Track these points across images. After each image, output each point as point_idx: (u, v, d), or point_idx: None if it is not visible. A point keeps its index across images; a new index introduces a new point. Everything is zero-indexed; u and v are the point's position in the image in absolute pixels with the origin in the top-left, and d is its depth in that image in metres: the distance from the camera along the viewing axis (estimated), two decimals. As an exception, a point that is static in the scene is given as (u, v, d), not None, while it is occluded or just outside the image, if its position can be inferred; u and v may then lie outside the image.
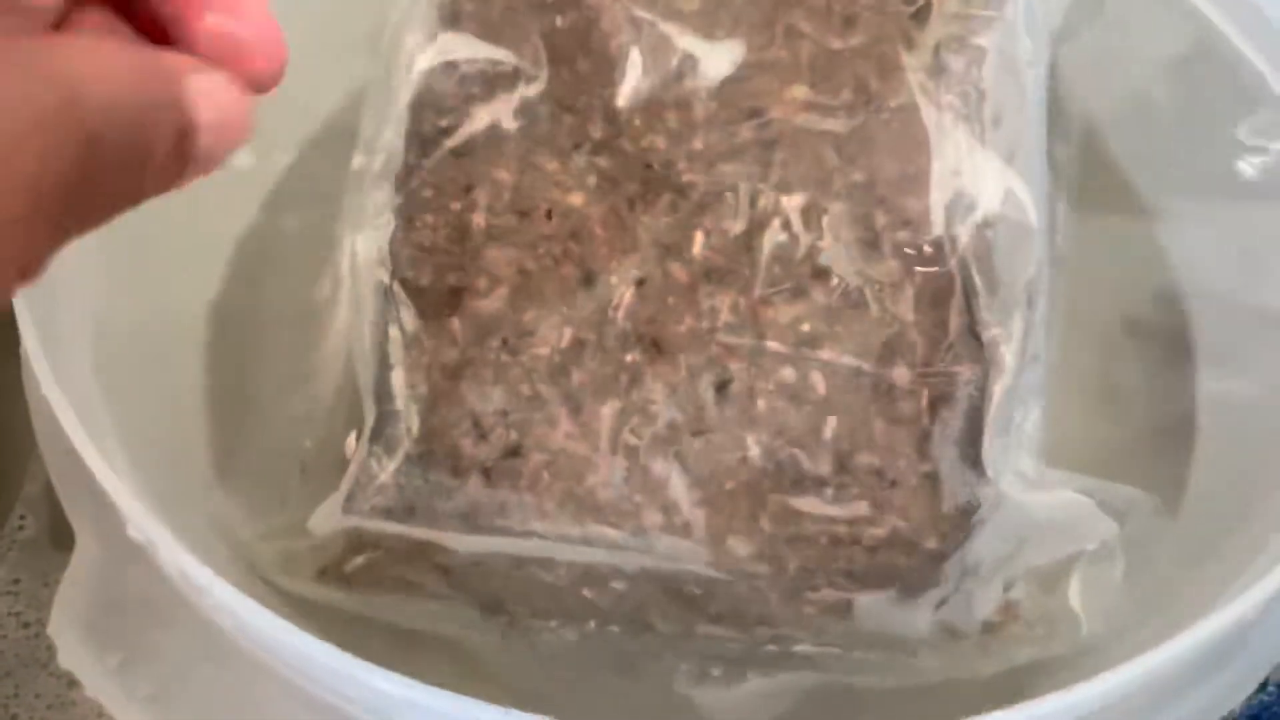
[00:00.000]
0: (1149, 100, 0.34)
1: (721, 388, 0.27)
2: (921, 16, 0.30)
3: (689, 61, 0.31)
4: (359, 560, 0.28)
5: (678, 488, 0.26)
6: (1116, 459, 0.30)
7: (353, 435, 0.30)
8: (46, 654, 0.33)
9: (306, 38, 0.34)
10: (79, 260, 0.29)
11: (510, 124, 0.31)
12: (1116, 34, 0.33)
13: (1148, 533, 0.27)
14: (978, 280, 0.27)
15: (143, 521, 0.21)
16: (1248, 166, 0.33)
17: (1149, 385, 0.32)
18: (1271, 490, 0.27)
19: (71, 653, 0.21)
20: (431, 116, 0.31)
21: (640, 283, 0.28)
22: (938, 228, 0.28)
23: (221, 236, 0.35)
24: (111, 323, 0.29)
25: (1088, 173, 0.33)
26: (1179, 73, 0.34)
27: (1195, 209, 0.33)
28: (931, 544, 0.25)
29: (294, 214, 0.36)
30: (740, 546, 0.26)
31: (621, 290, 0.28)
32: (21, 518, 0.36)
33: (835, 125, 0.29)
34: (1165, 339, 0.33)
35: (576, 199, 0.29)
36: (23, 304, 0.25)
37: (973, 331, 0.27)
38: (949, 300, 0.27)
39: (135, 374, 0.29)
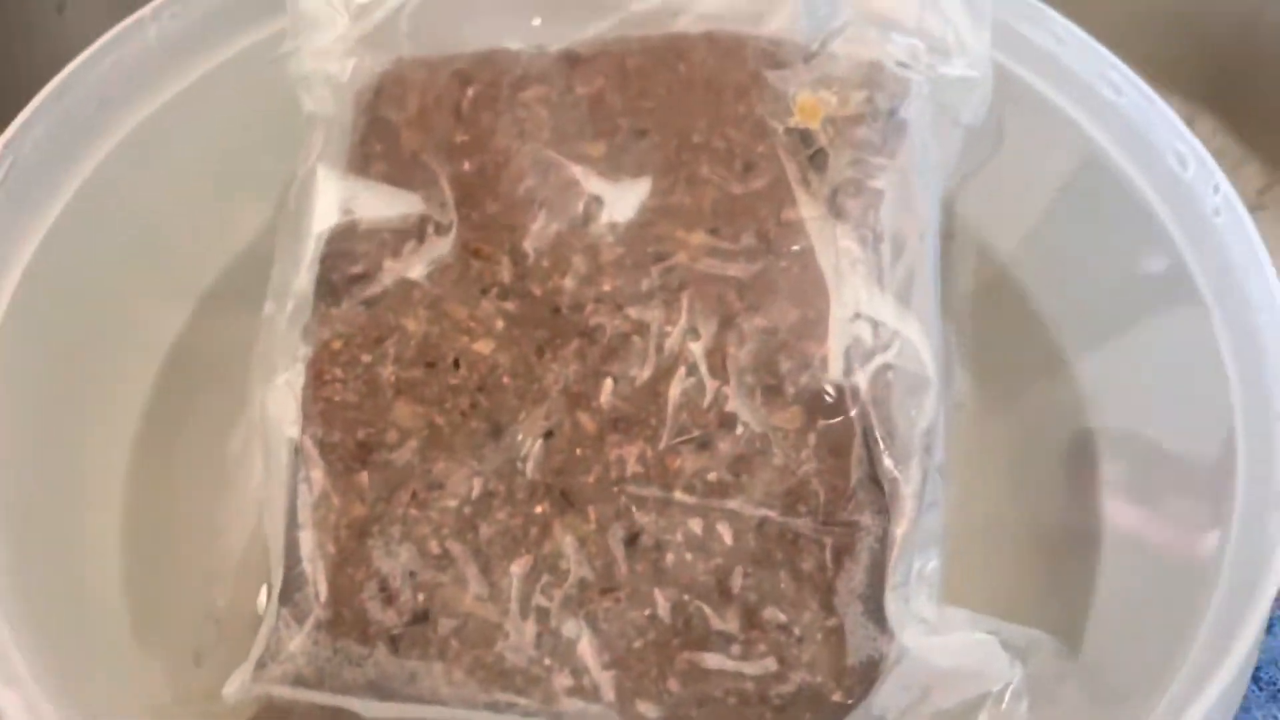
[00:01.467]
0: (1047, 225, 0.35)
1: (631, 540, 0.27)
2: (818, 161, 0.31)
3: (595, 204, 0.31)
4: (271, 726, 0.28)
5: (587, 649, 0.26)
6: (1019, 596, 0.30)
7: (263, 593, 0.30)
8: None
9: (238, 151, 0.35)
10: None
11: (419, 270, 0.31)
12: (1011, 159, 0.34)
13: (1050, 672, 0.27)
14: (877, 428, 0.28)
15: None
16: (1142, 287, 0.34)
17: (1053, 519, 0.33)
18: (1167, 629, 0.27)
19: None
20: (341, 264, 0.31)
21: (548, 434, 0.28)
22: (837, 374, 0.28)
23: (138, 373, 0.35)
24: (17, 484, 0.29)
25: (992, 302, 0.34)
26: (1071, 195, 0.35)
27: (1097, 332, 0.34)
28: (836, 698, 0.26)
29: (212, 339, 0.36)
30: (649, 710, 0.26)
31: (529, 442, 0.28)
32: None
33: (737, 270, 0.30)
34: (1071, 470, 0.33)
35: (484, 346, 0.30)
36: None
37: (873, 479, 0.28)
38: (849, 448, 0.28)
39: (45, 538, 0.29)
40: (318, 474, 0.29)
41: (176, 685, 0.29)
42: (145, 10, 0.33)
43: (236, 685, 0.27)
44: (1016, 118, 0.34)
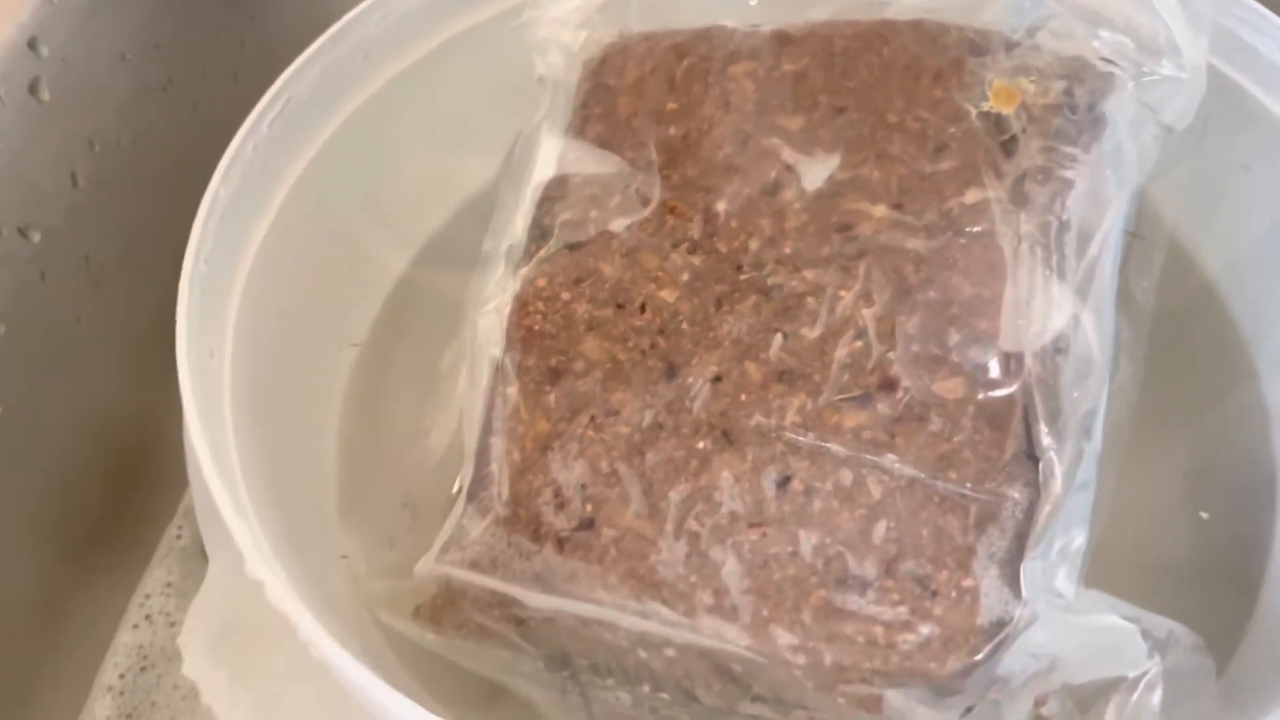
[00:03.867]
0: (1262, 245, 0.34)
1: (782, 483, 0.29)
2: (1010, 147, 0.32)
3: (787, 174, 0.33)
4: (447, 604, 0.31)
5: (731, 574, 0.28)
6: (1174, 598, 0.30)
7: (455, 489, 0.34)
8: (183, 653, 0.38)
9: (472, 109, 0.39)
10: (240, 310, 0.33)
11: (620, 222, 0.34)
12: (1232, 172, 0.33)
13: (1189, 668, 0.27)
14: (1039, 406, 0.29)
15: (256, 563, 0.25)
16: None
17: (1222, 529, 0.33)
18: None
19: (193, 664, 0.25)
20: (554, 211, 0.34)
21: (717, 379, 0.31)
22: (1005, 351, 0.29)
23: (369, 294, 0.40)
24: (262, 369, 0.34)
25: (1192, 315, 0.34)
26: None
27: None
28: (962, 654, 0.27)
29: (434, 276, 0.41)
30: (781, 636, 0.28)
31: (699, 384, 0.31)
32: (180, 528, 0.41)
33: (917, 244, 0.31)
34: (1248, 486, 0.33)
35: (669, 295, 0.32)
36: (185, 352, 0.30)
37: (1029, 454, 0.29)
38: (1009, 422, 0.29)
39: (279, 418, 0.34)
40: (512, 391, 0.32)
41: (372, 561, 0.33)
42: (411, -25, 0.38)
43: (422, 563, 0.31)
44: (1239, 130, 0.33)
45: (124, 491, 0.40)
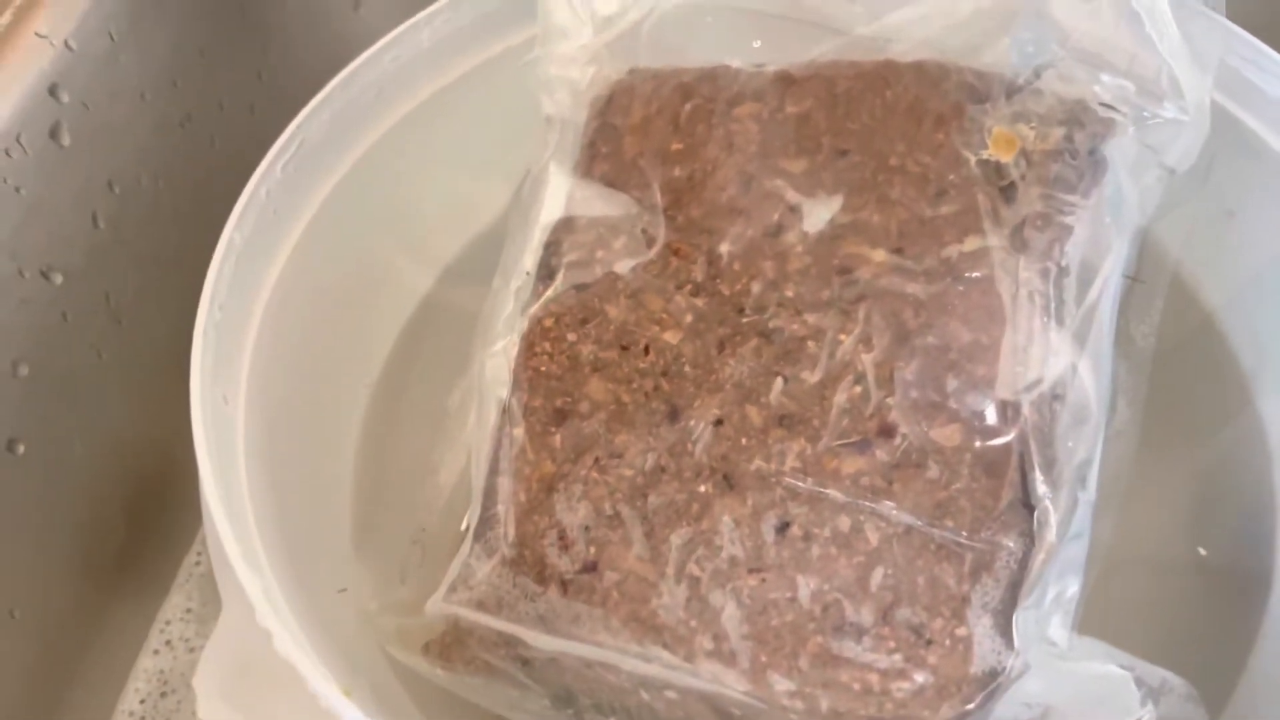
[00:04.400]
0: (1262, 280, 0.34)
1: (782, 529, 0.30)
2: (1009, 194, 0.32)
3: (790, 216, 0.33)
4: (455, 641, 0.32)
5: (730, 619, 0.29)
6: (1175, 635, 0.30)
7: (464, 526, 0.34)
8: (204, 678, 0.40)
9: (485, 143, 0.40)
10: (254, 354, 0.34)
11: (626, 263, 0.34)
12: (1232, 209, 0.34)
13: (1183, 715, 0.28)
14: (1035, 455, 0.29)
15: (265, 614, 0.26)
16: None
17: (1224, 565, 0.33)
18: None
19: (208, 707, 0.26)
20: (560, 252, 0.35)
21: (719, 422, 0.31)
22: (1002, 399, 0.30)
23: (384, 331, 0.41)
24: (276, 411, 0.35)
25: (1192, 349, 0.34)
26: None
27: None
28: (955, 702, 0.27)
29: (449, 310, 0.41)
30: (779, 682, 0.28)
31: (701, 427, 0.31)
32: (199, 554, 0.42)
33: (917, 289, 0.31)
34: (1251, 521, 0.33)
35: (673, 337, 0.33)
36: (199, 401, 0.31)
37: (1024, 503, 0.29)
38: (1005, 471, 0.29)
39: (293, 459, 0.35)
40: (519, 432, 0.33)
41: (383, 597, 0.34)
42: (421, 15, 0.38)
43: (432, 601, 0.32)
44: (1241, 166, 0.33)
45: (144, 520, 0.41)
